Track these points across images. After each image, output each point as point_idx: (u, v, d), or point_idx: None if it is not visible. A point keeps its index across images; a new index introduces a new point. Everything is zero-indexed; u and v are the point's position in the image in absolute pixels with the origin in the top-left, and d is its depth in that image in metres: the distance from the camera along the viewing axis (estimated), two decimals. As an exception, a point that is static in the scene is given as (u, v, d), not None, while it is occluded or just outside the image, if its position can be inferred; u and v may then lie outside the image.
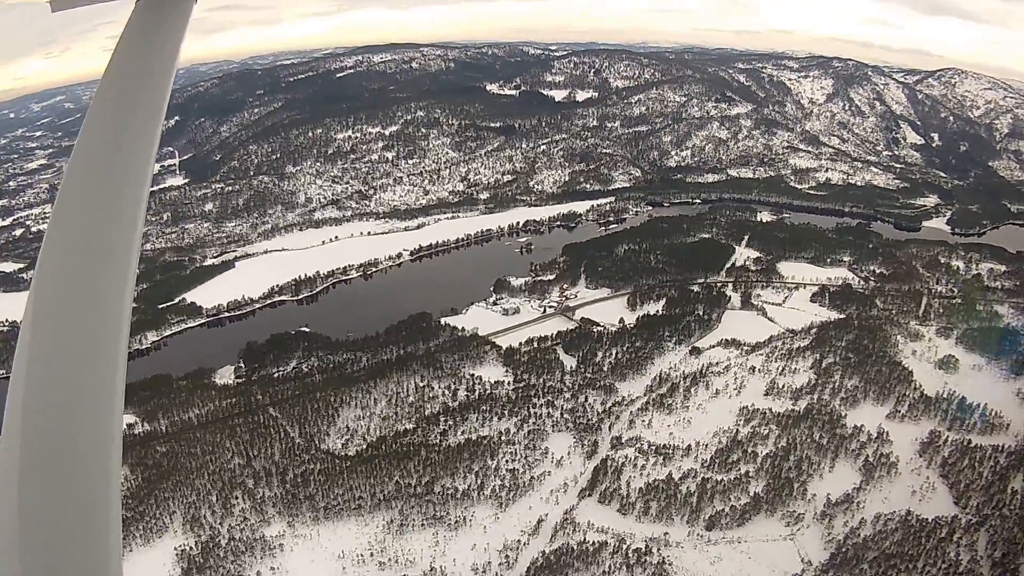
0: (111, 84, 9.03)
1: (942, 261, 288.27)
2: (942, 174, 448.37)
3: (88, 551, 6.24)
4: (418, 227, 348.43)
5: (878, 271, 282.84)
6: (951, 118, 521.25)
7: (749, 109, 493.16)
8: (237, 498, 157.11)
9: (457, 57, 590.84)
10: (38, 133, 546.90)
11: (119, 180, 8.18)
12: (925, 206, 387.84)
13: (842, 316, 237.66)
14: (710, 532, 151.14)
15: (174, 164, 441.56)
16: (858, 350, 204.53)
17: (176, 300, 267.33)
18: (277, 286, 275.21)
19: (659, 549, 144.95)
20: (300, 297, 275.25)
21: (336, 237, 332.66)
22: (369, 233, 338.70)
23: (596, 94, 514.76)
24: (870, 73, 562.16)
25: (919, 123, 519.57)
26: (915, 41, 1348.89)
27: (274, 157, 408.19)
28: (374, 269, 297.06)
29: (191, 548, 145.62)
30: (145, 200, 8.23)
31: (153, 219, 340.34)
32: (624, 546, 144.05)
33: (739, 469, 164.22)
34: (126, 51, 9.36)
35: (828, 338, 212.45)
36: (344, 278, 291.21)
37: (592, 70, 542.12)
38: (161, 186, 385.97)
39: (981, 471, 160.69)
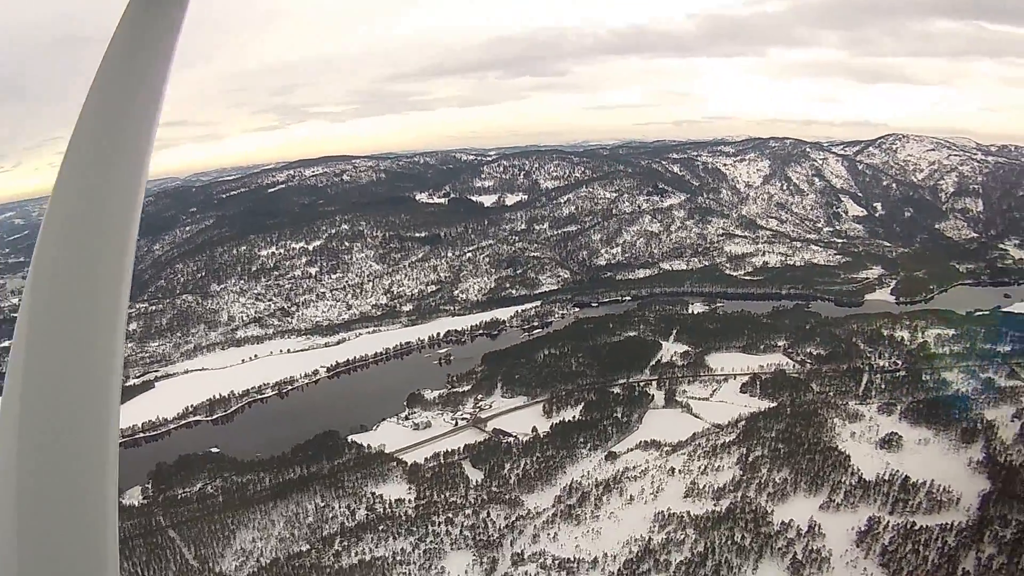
0: (106, 78, 8.13)
1: (885, 334, 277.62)
2: (886, 243, 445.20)
3: (86, 551, 6.21)
4: (338, 343, 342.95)
5: (815, 353, 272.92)
6: (894, 185, 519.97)
7: (682, 199, 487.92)
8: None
9: (389, 168, 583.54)
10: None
11: (114, 177, 7.52)
12: (868, 279, 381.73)
13: (773, 405, 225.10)
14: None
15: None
16: (789, 439, 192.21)
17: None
18: (192, 406, 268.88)
19: None
20: (214, 417, 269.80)
21: (256, 356, 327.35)
22: (289, 350, 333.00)
23: (526, 197, 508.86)
24: (808, 150, 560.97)
25: (860, 194, 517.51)
26: (857, 112, 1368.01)
27: (199, 275, 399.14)
28: (290, 387, 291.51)
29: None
30: (141, 198, 7.54)
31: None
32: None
33: None
34: (121, 42, 8.36)
35: (756, 430, 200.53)
36: (260, 397, 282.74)
37: (522, 173, 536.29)
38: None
39: (927, 554, 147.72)
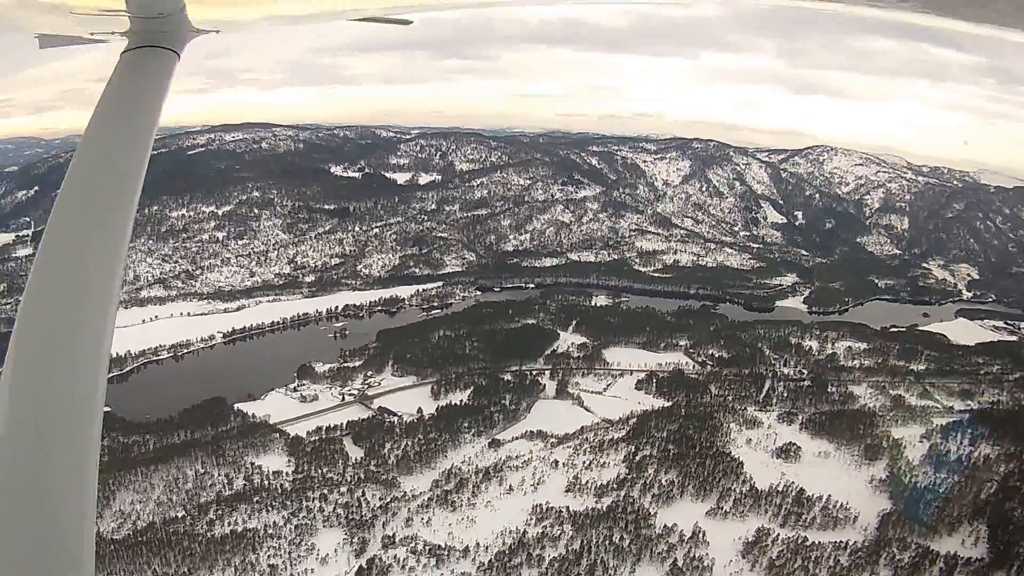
0: (97, 131, 9.53)
1: (793, 342, 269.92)
2: (803, 252, 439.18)
3: (62, 549, 6.66)
4: (238, 309, 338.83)
5: (717, 355, 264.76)
6: (817, 195, 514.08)
7: (598, 192, 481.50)
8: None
9: (308, 139, 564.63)
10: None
11: (105, 214, 8.72)
12: (781, 285, 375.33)
13: (668, 404, 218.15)
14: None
15: (28, 235, 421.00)
16: (681, 441, 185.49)
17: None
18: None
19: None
20: (110, 376, 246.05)
21: (156, 317, 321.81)
22: (189, 314, 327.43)
23: (440, 177, 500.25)
24: (732, 154, 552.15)
25: (781, 202, 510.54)
26: (785, 122, 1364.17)
27: None
28: (186, 351, 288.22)
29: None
30: (128, 239, 8.77)
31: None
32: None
33: (520, 574, 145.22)
34: (111, 100, 9.80)
35: (647, 428, 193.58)
36: (155, 358, 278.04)
37: (439, 153, 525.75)
38: (7, 256, 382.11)
39: (816, 572, 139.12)
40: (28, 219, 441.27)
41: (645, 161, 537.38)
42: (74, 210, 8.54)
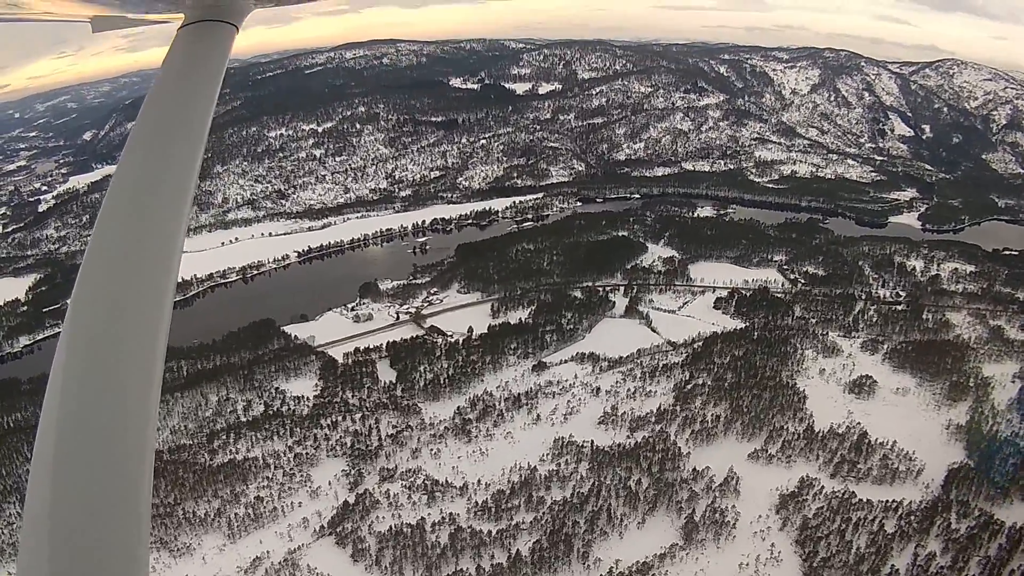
0: (154, 107, 9.32)
1: (897, 261, 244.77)
2: (928, 167, 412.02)
3: (115, 551, 6.52)
4: (323, 227, 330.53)
5: (812, 272, 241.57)
6: (945, 109, 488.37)
7: (720, 100, 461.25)
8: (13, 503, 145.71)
9: (432, 52, 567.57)
10: (32, 133, 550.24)
11: (160, 199, 8.33)
12: (898, 200, 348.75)
13: (743, 326, 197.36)
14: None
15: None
16: (742, 369, 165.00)
17: (59, 304, 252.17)
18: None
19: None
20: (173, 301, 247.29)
21: (236, 239, 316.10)
22: (271, 234, 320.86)
23: (560, 86, 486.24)
24: (863, 64, 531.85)
25: (910, 114, 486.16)
26: (926, 37, 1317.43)
27: (205, 157, 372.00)
28: (256, 272, 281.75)
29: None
30: (186, 220, 8.39)
31: (73, 223, 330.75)
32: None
33: (512, 518, 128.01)
34: (169, 76, 9.67)
35: (709, 353, 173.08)
36: (224, 281, 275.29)
37: (561, 62, 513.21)
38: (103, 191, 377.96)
39: (853, 539, 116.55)
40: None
41: (775, 69, 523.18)
42: (127, 199, 8.03)
